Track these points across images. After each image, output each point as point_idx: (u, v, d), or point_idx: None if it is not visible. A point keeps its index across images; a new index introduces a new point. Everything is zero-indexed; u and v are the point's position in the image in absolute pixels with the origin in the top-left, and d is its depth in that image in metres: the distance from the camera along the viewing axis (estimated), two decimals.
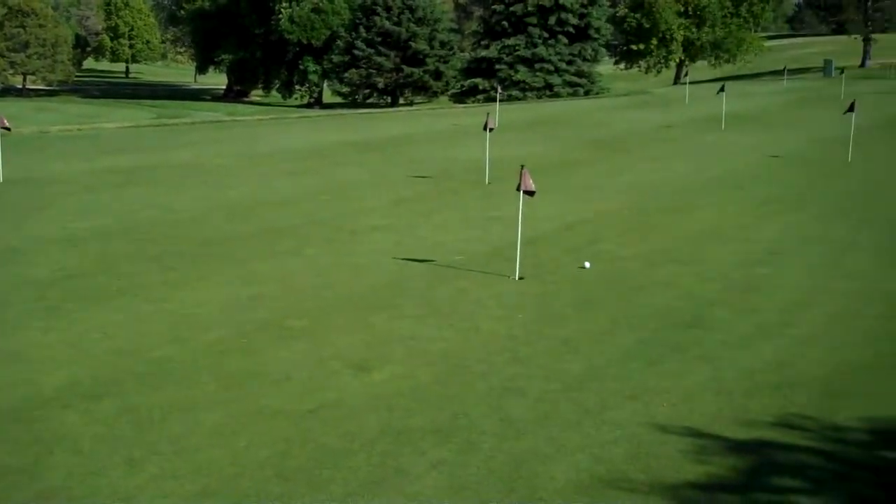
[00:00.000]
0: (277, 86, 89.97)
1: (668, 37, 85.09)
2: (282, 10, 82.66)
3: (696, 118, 39.82)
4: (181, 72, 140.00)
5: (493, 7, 72.14)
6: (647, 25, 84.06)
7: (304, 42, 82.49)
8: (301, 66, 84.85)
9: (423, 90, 75.92)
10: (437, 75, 75.13)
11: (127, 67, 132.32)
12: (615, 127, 37.10)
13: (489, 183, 21.03)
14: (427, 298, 11.77)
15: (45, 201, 18.58)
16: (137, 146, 28.91)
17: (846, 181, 22.15)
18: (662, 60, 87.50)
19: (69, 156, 26.19)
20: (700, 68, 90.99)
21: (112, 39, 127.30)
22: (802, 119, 40.58)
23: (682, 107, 47.24)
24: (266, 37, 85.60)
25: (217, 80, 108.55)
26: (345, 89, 77.89)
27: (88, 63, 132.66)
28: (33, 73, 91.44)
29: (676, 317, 11.06)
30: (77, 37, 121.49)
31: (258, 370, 9.11)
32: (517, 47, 69.90)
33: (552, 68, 69.81)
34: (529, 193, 12.54)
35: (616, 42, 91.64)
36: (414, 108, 64.30)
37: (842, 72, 64.11)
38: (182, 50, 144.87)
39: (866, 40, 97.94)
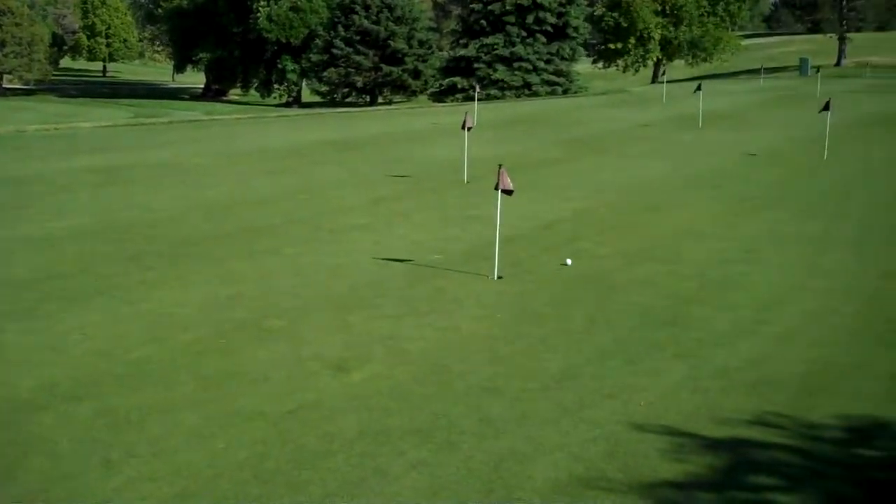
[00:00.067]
0: (256, 85, 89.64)
1: (645, 36, 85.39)
2: (260, 8, 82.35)
3: (674, 117, 39.98)
4: (159, 70, 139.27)
5: (471, 6, 72.15)
6: (625, 24, 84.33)
7: (283, 41, 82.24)
8: (279, 65, 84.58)
9: (401, 89, 75.85)
10: (416, 74, 75.09)
11: (104, 66, 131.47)
12: (593, 126, 37.21)
13: (468, 182, 21.05)
14: (406, 298, 11.77)
15: (22, 201, 18.46)
16: (115, 145, 28.76)
17: (822, 179, 22.30)
18: (640, 59, 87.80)
19: (46, 155, 26.02)
20: (677, 67, 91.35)
21: (89, 38, 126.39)
22: (779, 117, 40.81)
23: (659, 105, 47.41)
24: (244, 35, 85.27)
25: (195, 78, 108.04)
26: (323, 88, 77.74)
27: (65, 62, 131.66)
28: (10, 72, 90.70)
29: (654, 315, 11.12)
30: (54, 35, 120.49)
31: (236, 370, 9.10)
32: (495, 46, 69.95)
33: (530, 67, 69.92)
34: (507, 192, 12.57)
35: (594, 41, 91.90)
36: (393, 107, 64.24)
37: (818, 70, 64.55)
38: (160, 48, 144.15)
39: (841, 39, 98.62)
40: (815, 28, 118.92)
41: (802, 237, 15.60)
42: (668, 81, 55.42)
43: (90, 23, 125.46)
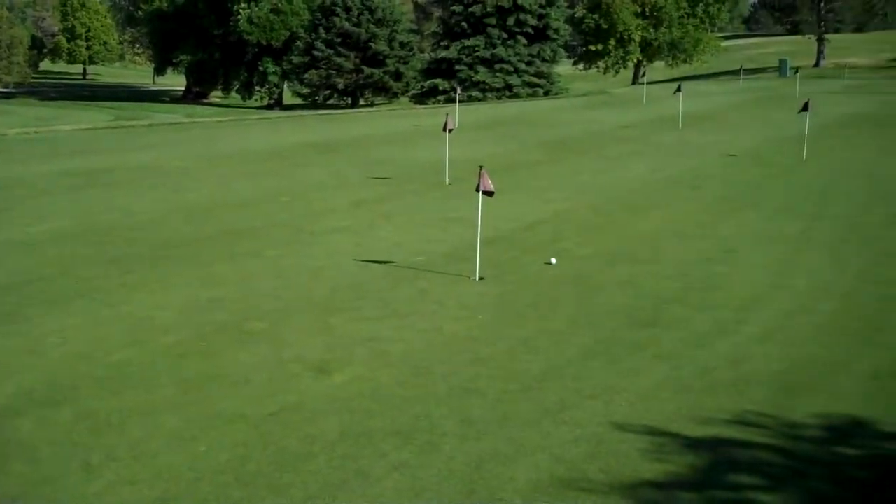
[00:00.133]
0: (237, 87, 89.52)
1: (625, 37, 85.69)
2: (240, 10, 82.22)
3: (654, 118, 40.12)
4: (139, 73, 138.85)
5: (452, 8, 72.26)
6: (605, 26, 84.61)
7: (264, 43, 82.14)
8: (260, 68, 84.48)
9: (383, 91, 75.88)
10: (398, 76, 75.12)
11: (84, 69, 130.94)
12: (574, 127, 37.29)
13: (449, 184, 21.07)
14: (387, 300, 11.77)
15: (2, 205, 18.35)
16: (95, 148, 28.63)
17: (801, 179, 22.42)
18: (620, 61, 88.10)
19: (27, 159, 25.88)
20: (658, 68, 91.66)
21: (69, 41, 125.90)
22: (758, 118, 41.03)
23: (639, 107, 47.57)
24: (225, 38, 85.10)
25: (176, 81, 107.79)
26: (305, 90, 77.66)
27: (45, 65, 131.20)
28: None
29: (635, 315, 11.15)
30: (33, 38, 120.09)
31: (217, 373, 9.07)
32: (477, 48, 70.09)
33: (511, 69, 70.11)
34: (488, 194, 12.59)
35: (575, 43, 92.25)
36: (374, 109, 64.24)
37: (796, 71, 65.00)
38: (140, 51, 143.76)
39: (820, 40, 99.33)
40: (793, 29, 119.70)
41: (782, 237, 15.68)
42: (648, 83, 55.62)
43: (70, 25, 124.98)
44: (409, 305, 11.52)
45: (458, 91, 43.51)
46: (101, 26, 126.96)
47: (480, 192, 12.54)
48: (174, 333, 10.32)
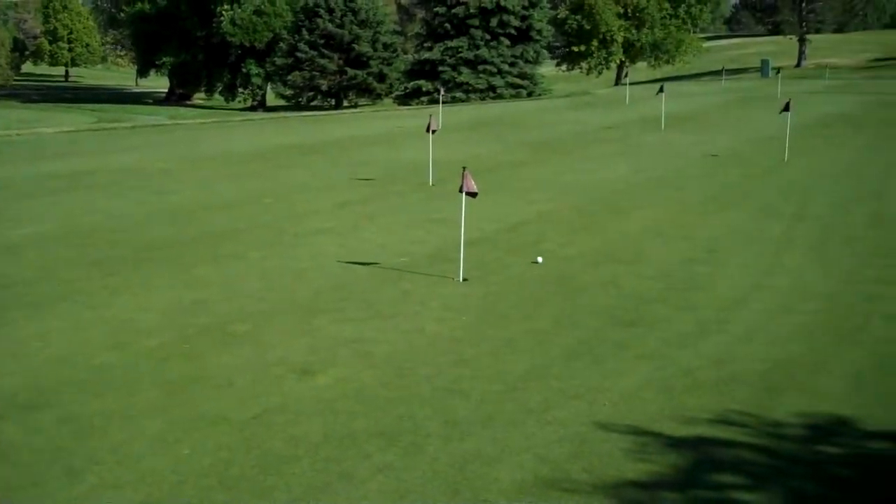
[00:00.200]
0: (220, 89, 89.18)
1: (608, 38, 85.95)
2: (223, 12, 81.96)
3: (637, 119, 40.25)
4: (122, 75, 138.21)
5: (435, 9, 72.24)
6: (588, 27, 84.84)
7: (247, 45, 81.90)
8: (244, 69, 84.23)
9: (366, 92, 75.77)
10: (381, 77, 75.03)
11: (66, 71, 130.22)
12: (557, 128, 37.37)
13: (433, 185, 21.08)
14: (371, 301, 11.76)
15: None
16: (77, 151, 28.54)
17: (783, 180, 22.52)
18: (603, 62, 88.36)
19: (8, 161, 25.78)
20: (640, 69, 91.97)
21: (51, 43, 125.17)
22: (740, 119, 41.21)
23: (622, 108, 47.71)
24: (208, 39, 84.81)
25: (159, 83, 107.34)
26: (288, 92, 77.46)
27: (27, 67, 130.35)
28: None
29: (618, 315, 11.18)
30: (15, 40, 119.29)
31: (201, 376, 9.05)
32: (460, 49, 70.12)
33: (495, 70, 70.17)
34: (472, 195, 12.60)
35: (557, 44, 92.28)
36: (358, 110, 64.19)
37: (778, 72, 65.32)
38: (122, 53, 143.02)
39: (801, 40, 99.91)
40: (775, 30, 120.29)
41: (763, 237, 15.75)
42: (630, 83, 55.78)
43: (52, 27, 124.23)
44: (393, 306, 11.52)
45: (442, 92, 43.62)
46: (84, 28, 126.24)
47: (464, 194, 12.55)
48: (157, 336, 10.29)
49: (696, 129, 35.68)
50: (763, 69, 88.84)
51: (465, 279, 12.70)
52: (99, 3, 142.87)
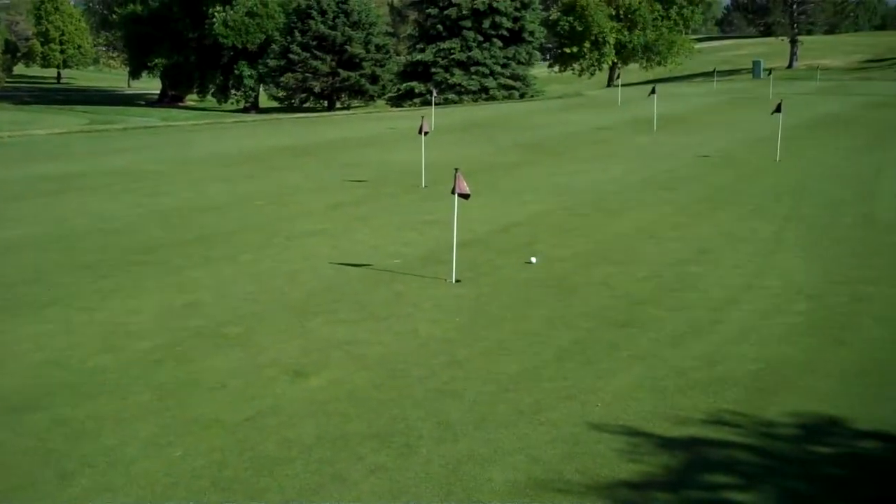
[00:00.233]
0: (212, 90, 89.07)
1: (600, 40, 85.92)
2: (215, 14, 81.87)
3: (629, 120, 40.29)
4: (114, 77, 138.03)
5: (427, 11, 72.19)
6: (580, 28, 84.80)
7: (239, 46, 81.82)
8: (236, 71, 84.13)
9: (359, 94, 75.74)
10: (374, 79, 74.99)
11: (58, 73, 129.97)
12: (549, 129, 37.40)
13: (425, 186, 21.09)
14: (364, 303, 11.77)
15: None
16: (69, 153, 28.49)
17: (775, 180, 22.56)
18: (595, 63, 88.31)
19: (0, 163, 25.70)
20: (632, 70, 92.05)
21: (43, 44, 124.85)
22: (732, 120, 41.29)
23: (614, 109, 47.77)
24: (200, 41, 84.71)
25: (151, 85, 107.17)
26: (281, 94, 77.38)
27: (19, 69, 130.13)
28: None
29: (611, 316, 11.20)
30: (7, 42, 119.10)
31: (193, 378, 9.04)
32: (452, 51, 70.07)
33: (487, 71, 70.14)
34: (464, 196, 12.61)
35: (550, 45, 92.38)
36: (350, 112, 64.17)
37: (770, 73, 65.53)
38: (114, 55, 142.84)
39: (793, 42, 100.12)
40: (766, 31, 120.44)
41: (754, 238, 15.78)
42: (623, 85, 55.85)
43: (44, 29, 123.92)
44: (386, 308, 11.52)
45: (434, 94, 43.59)
46: (76, 30, 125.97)
47: (456, 195, 12.57)
48: (149, 339, 10.28)
49: (688, 131, 35.74)
50: (755, 70, 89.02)
51: (457, 280, 12.71)
52: (91, 4, 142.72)
